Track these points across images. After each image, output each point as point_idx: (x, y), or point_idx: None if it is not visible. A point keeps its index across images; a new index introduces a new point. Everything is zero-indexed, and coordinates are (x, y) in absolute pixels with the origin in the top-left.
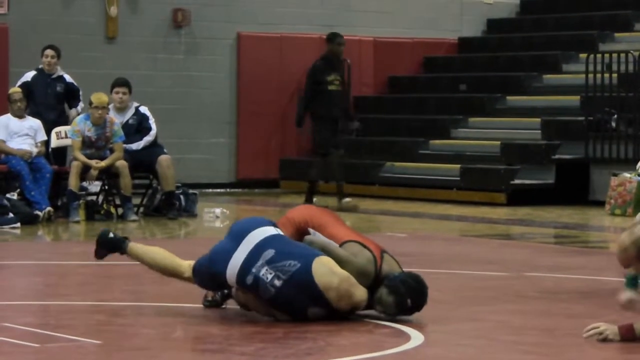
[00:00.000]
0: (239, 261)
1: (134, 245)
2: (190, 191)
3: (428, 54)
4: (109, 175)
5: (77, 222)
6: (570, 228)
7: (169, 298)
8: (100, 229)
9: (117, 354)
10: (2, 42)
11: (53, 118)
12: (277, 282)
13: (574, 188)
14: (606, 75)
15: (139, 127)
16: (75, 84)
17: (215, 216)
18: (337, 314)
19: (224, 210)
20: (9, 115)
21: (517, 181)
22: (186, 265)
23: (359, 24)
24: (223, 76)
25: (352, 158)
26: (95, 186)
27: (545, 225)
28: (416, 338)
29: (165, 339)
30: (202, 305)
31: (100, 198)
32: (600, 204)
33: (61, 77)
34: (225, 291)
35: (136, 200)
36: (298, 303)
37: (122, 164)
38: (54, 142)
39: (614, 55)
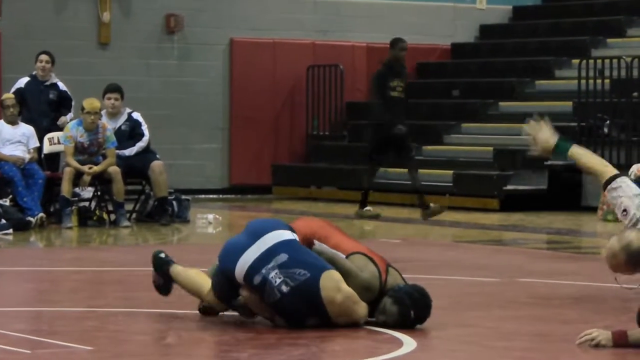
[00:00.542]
0: (250, 259)
1: (177, 267)
2: (183, 197)
3: (421, 60)
4: (102, 181)
5: (70, 228)
6: (563, 234)
7: (162, 304)
8: (155, 253)
9: None
10: None
11: (46, 125)
12: (284, 288)
13: (566, 194)
14: (598, 81)
15: (131, 133)
16: (69, 92)
17: (207, 222)
18: (333, 324)
19: (217, 216)
20: (1, 121)
21: (510, 187)
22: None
23: (351, 30)
24: (216, 82)
25: (345, 164)
26: (87, 192)
27: (538, 231)
28: (409, 344)
29: (158, 345)
30: (195, 311)
31: (93, 204)
32: (593, 209)
33: (55, 85)
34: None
35: (129, 206)
36: (299, 312)
37: (114, 169)
38: (47, 148)
39: (607, 61)
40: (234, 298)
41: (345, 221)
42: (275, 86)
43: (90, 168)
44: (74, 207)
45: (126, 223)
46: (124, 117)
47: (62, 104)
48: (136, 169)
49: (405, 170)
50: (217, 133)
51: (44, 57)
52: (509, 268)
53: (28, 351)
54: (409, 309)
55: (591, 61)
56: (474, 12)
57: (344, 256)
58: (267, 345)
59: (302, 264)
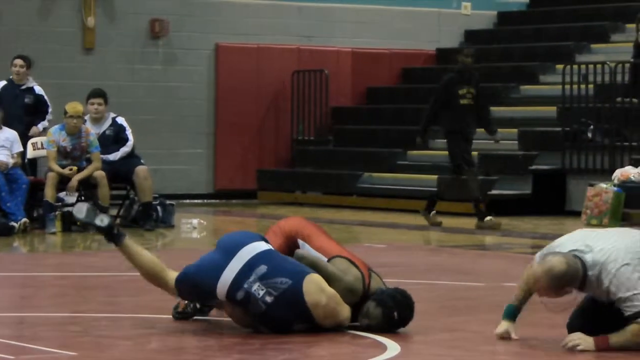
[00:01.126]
0: (230, 276)
1: (130, 243)
2: (168, 202)
3: (406, 65)
4: (87, 186)
5: (54, 233)
6: (548, 238)
7: (145, 309)
8: (106, 220)
9: None
10: None
11: (21, 130)
12: (269, 299)
13: (551, 198)
14: (583, 86)
15: (116, 137)
16: (46, 97)
17: (192, 227)
18: (319, 327)
19: (202, 221)
20: None
21: (494, 191)
22: (171, 276)
23: (337, 35)
24: (201, 87)
25: (330, 168)
26: (72, 197)
27: (522, 235)
28: (393, 349)
29: (142, 351)
30: None
31: None
32: (577, 214)
33: (31, 89)
34: (198, 305)
35: (113, 211)
36: (285, 319)
37: (100, 174)
38: (30, 153)
39: (591, 67)
40: (205, 305)
41: (329, 226)
42: (261, 91)
43: (71, 170)
44: (57, 212)
45: None
46: (109, 122)
47: (38, 108)
48: (121, 174)
49: (386, 174)
50: (202, 138)
51: (18, 61)
52: (493, 273)
53: (11, 357)
54: (393, 311)
55: (575, 66)
56: (459, 17)
57: (325, 259)
58: (252, 351)
59: (282, 272)
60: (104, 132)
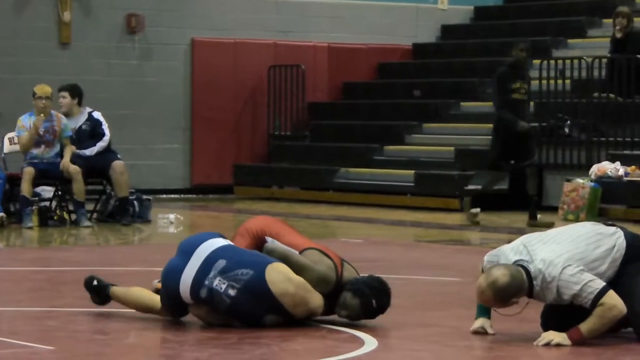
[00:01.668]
0: (190, 276)
1: (116, 289)
2: (144, 197)
3: (382, 60)
4: (62, 181)
5: (30, 228)
6: (524, 233)
7: (122, 305)
8: (85, 277)
9: None
10: None
11: None
12: (232, 292)
13: (527, 194)
14: (559, 81)
15: (92, 132)
16: None
17: (169, 222)
18: (293, 319)
19: (178, 216)
20: None
21: (471, 187)
22: (158, 299)
23: (313, 30)
24: (177, 82)
25: (307, 164)
26: (48, 192)
27: (499, 230)
28: (370, 343)
29: (119, 345)
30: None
31: (54, 204)
32: (554, 209)
33: None
34: None
35: (89, 206)
36: (254, 311)
37: (75, 169)
38: (7, 148)
39: (567, 62)
40: (184, 311)
41: (306, 221)
42: (237, 86)
43: (40, 120)
44: (34, 207)
45: (87, 223)
46: (85, 117)
47: None
48: (97, 169)
49: (363, 169)
50: (178, 133)
51: None
52: (470, 268)
53: None
54: (371, 299)
55: (552, 61)
56: (435, 12)
57: (297, 252)
58: (228, 345)
59: (242, 264)
60: (80, 126)
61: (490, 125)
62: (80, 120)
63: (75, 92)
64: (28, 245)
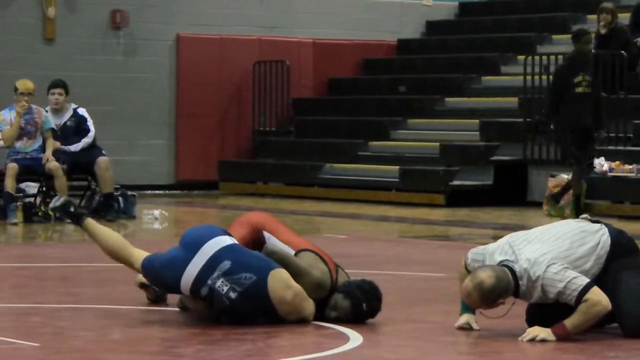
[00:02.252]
0: (194, 272)
1: (91, 222)
2: (129, 193)
3: (367, 56)
4: (46, 177)
5: (15, 224)
6: (509, 229)
7: (107, 300)
8: (64, 199)
9: (55, 356)
10: None
11: None
12: (232, 295)
13: (512, 189)
14: (544, 77)
15: (77, 128)
16: None
17: (154, 218)
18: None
19: (163, 212)
20: None
21: (456, 182)
22: (137, 256)
23: (298, 26)
24: (162, 78)
25: (291, 159)
26: (32, 188)
27: (484, 226)
28: (355, 339)
29: (104, 341)
30: (141, 307)
31: (38, 200)
32: (538, 205)
33: None
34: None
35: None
36: (249, 314)
37: (55, 165)
38: None
39: (552, 57)
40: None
41: (291, 217)
42: (222, 82)
43: (23, 107)
44: (19, 203)
45: None
46: (70, 113)
47: None
48: (82, 165)
49: (348, 165)
50: (163, 129)
51: None
52: (455, 263)
53: None
54: (361, 302)
55: (537, 57)
56: (420, 8)
57: (293, 252)
58: (213, 341)
59: (246, 268)
60: (65, 123)
61: (476, 121)
62: (65, 116)
63: (67, 88)
64: (12, 241)
